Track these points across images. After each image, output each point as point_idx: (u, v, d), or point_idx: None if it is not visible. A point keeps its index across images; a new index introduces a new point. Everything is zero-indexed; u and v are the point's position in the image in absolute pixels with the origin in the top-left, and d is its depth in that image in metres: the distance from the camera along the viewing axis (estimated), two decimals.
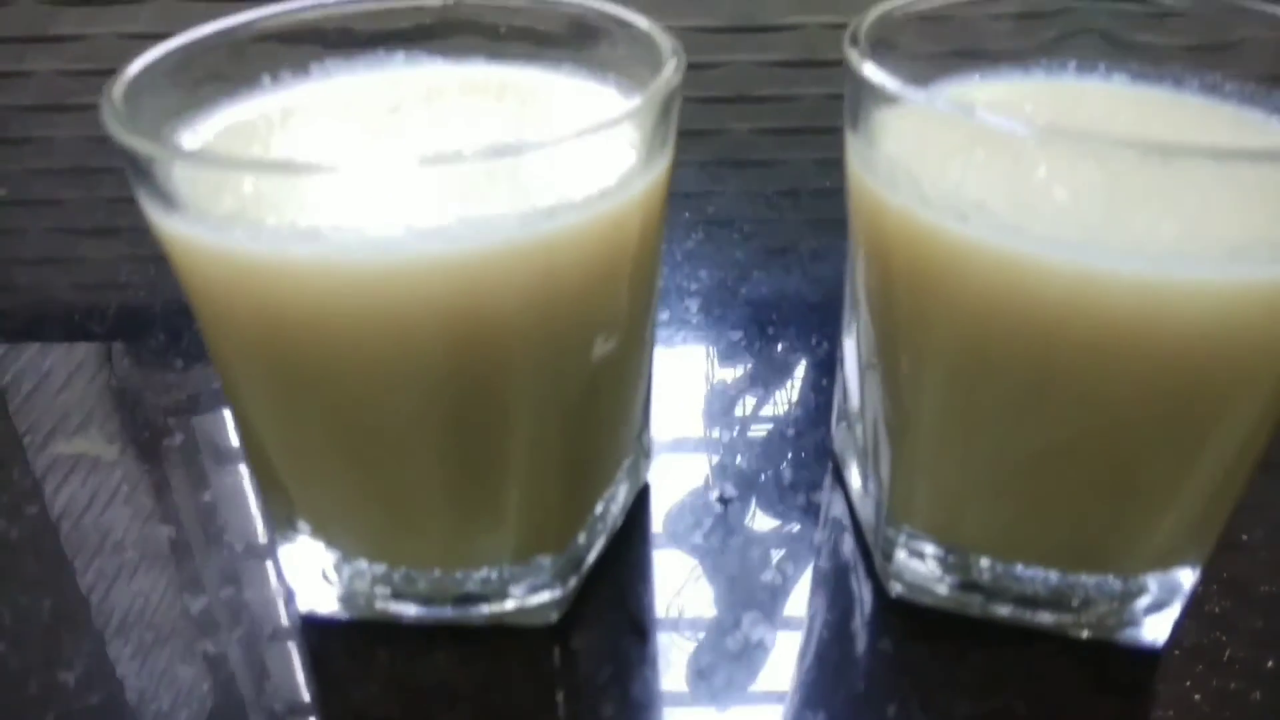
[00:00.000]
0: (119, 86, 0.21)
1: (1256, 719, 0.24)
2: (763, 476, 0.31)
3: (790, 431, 0.33)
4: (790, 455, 0.32)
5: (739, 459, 0.32)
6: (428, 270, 0.19)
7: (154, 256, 0.32)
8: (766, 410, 0.34)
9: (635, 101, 0.21)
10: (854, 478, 0.30)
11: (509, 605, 0.26)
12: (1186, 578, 0.25)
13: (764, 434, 0.33)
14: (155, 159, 0.19)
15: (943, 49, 0.28)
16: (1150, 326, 0.19)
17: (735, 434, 0.33)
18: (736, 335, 0.38)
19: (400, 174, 0.18)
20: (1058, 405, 0.22)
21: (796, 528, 0.29)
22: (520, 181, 0.19)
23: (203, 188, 0.19)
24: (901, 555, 0.26)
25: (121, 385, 0.36)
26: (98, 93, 0.20)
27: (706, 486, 0.31)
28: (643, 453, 0.30)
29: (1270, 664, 0.25)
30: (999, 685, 0.24)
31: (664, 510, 0.30)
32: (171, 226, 0.20)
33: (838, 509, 0.30)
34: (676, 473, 0.31)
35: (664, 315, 0.39)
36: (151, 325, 0.39)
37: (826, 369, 0.36)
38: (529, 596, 0.26)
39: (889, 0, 0.26)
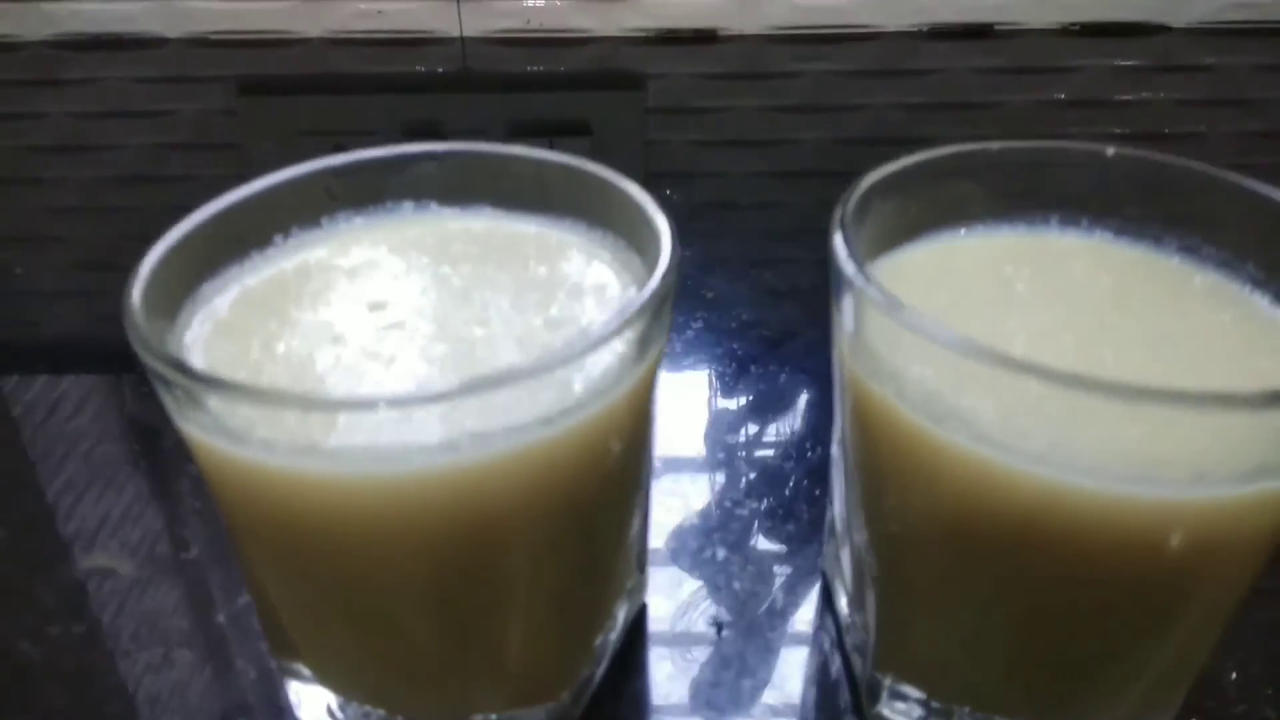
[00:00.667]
0: (137, 292, 0.22)
1: None
2: (756, 597, 0.32)
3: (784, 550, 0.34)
4: (782, 575, 0.33)
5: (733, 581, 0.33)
6: (433, 482, 0.20)
7: None
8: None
9: (633, 306, 0.22)
10: (842, 604, 0.31)
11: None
12: None
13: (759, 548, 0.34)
14: (175, 383, 0.20)
15: (929, 206, 0.29)
16: (1114, 537, 0.21)
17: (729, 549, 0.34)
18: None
19: (403, 404, 0.19)
20: (1028, 592, 0.23)
21: (787, 653, 0.31)
22: (521, 392, 0.20)
23: (219, 402, 0.20)
24: (885, 698, 0.28)
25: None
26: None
27: (702, 613, 0.32)
28: (640, 577, 0.31)
29: None
30: None
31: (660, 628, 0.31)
32: (189, 428, 0.21)
33: (826, 633, 0.31)
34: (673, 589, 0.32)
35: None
36: None
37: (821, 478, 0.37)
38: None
39: (877, 170, 0.27)
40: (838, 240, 0.24)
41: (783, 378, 0.43)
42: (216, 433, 0.20)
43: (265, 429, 0.20)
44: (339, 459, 0.20)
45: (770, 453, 0.39)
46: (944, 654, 0.26)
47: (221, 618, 0.32)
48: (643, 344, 0.22)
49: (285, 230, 0.28)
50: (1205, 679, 0.26)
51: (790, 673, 0.30)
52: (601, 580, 0.27)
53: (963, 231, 0.29)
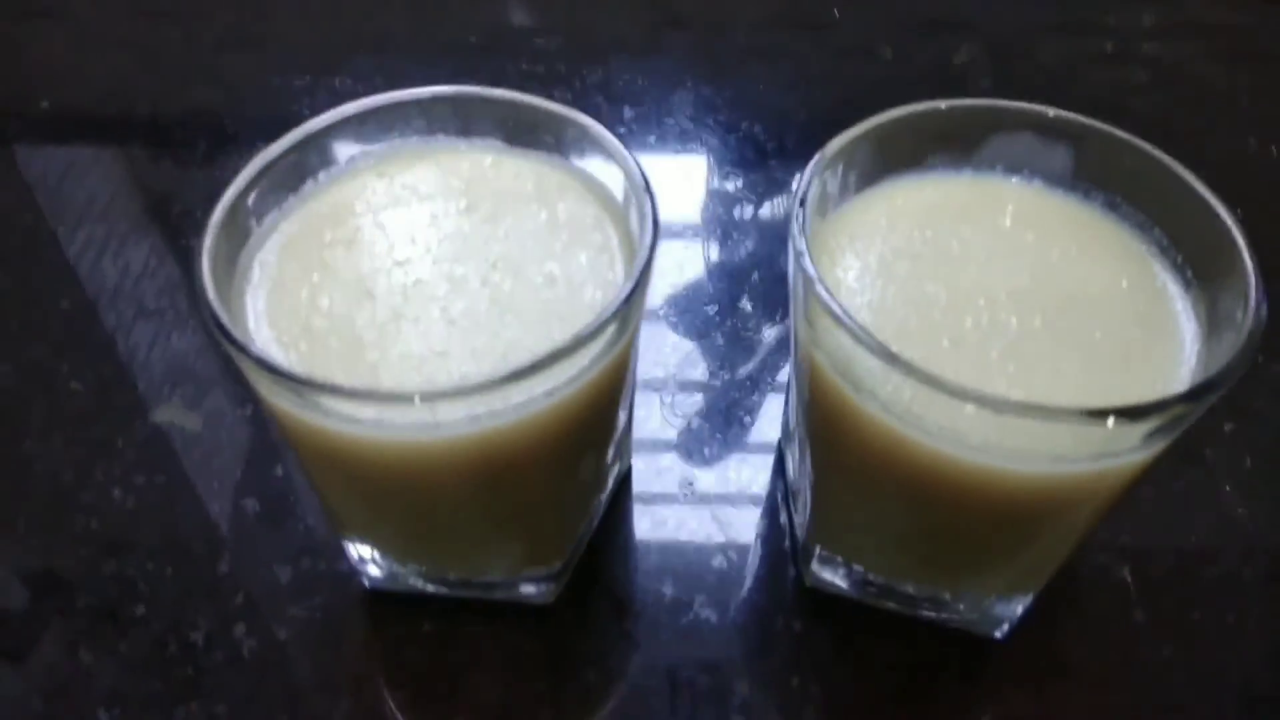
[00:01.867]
0: (210, 296, 0.26)
1: (1066, 694, 0.33)
2: (725, 462, 0.39)
3: (746, 418, 0.41)
4: (745, 441, 0.40)
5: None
6: (460, 442, 0.26)
7: None
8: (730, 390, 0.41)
9: (621, 298, 0.26)
10: (790, 475, 0.37)
11: (517, 591, 0.34)
12: (1022, 602, 0.33)
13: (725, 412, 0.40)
14: (267, 380, 0.25)
15: (884, 158, 0.32)
16: (993, 494, 0.26)
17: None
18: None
19: (433, 399, 0.24)
20: (924, 516, 0.29)
21: (743, 512, 0.38)
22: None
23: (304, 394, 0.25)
24: (815, 563, 0.35)
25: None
26: None
27: (676, 476, 0.39)
28: (626, 452, 0.38)
29: (1079, 654, 0.34)
30: (884, 658, 0.34)
31: (641, 492, 0.38)
32: (275, 402, 0.26)
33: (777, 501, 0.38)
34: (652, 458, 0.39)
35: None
36: None
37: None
38: (532, 587, 0.34)
39: (839, 138, 0.30)
40: (795, 217, 0.28)
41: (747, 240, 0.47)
42: (300, 408, 0.25)
43: (337, 410, 0.25)
44: (390, 429, 0.25)
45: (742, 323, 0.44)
46: (860, 541, 0.33)
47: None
48: (625, 321, 0.27)
49: (314, 173, 0.32)
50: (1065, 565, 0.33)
51: (745, 530, 0.37)
52: (596, 471, 0.33)
53: (914, 178, 0.33)
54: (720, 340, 0.43)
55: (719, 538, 0.37)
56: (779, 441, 0.40)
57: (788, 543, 0.37)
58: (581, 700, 0.33)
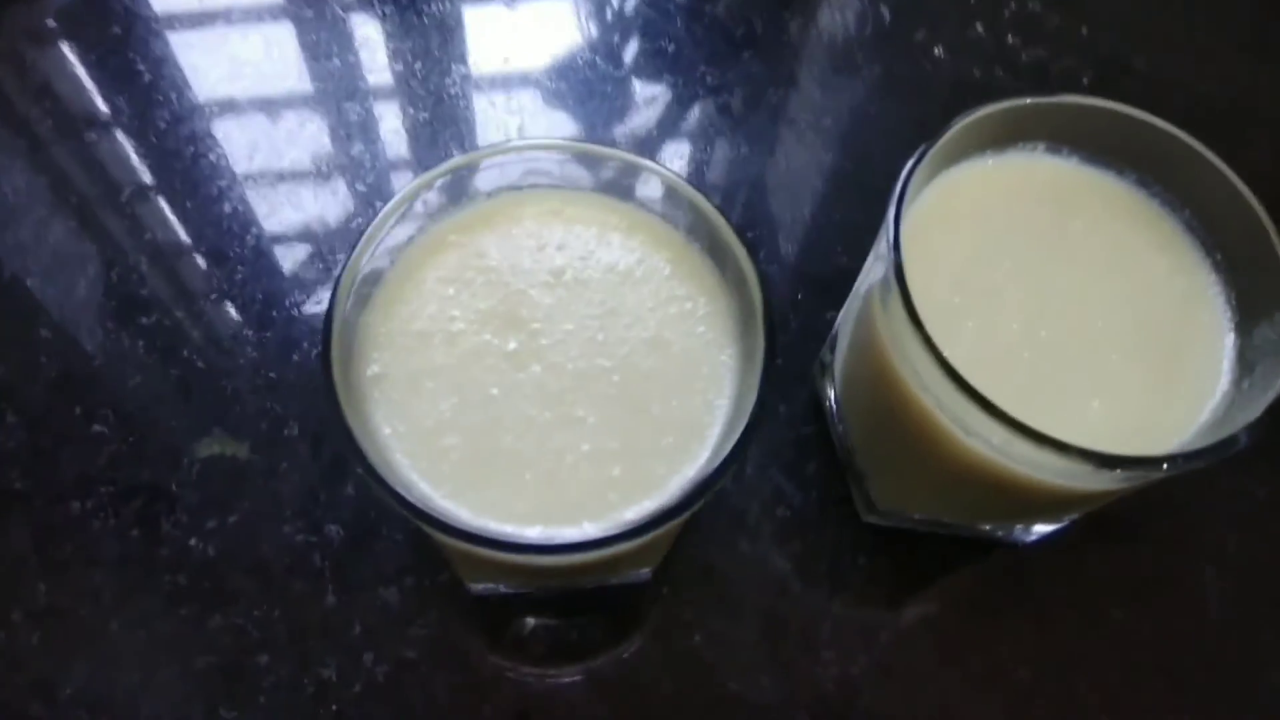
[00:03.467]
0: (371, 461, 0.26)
1: (1082, 582, 0.40)
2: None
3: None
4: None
5: None
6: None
7: None
8: None
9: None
10: (835, 428, 0.41)
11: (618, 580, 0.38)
12: (1045, 527, 0.39)
13: None
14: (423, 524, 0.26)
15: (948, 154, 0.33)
16: (1024, 489, 0.31)
17: None
18: None
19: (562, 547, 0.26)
20: (959, 484, 0.33)
21: (792, 457, 0.41)
22: None
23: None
24: (867, 510, 0.39)
25: None
26: None
27: None
28: None
29: (1071, 561, 0.40)
30: (938, 575, 0.39)
31: None
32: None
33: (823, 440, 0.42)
34: None
35: None
36: None
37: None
38: (631, 579, 0.37)
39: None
40: (890, 218, 0.30)
41: None
42: (469, 546, 0.27)
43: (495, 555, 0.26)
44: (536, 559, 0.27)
45: None
46: (907, 497, 0.37)
47: None
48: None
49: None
50: None
51: (797, 476, 0.41)
52: None
53: (974, 163, 0.34)
54: None
55: (777, 488, 0.40)
56: (813, 375, 0.43)
57: (841, 480, 0.41)
58: (692, 658, 0.37)
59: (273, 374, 0.41)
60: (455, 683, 0.36)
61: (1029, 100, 0.33)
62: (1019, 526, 0.39)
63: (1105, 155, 0.34)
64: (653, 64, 0.51)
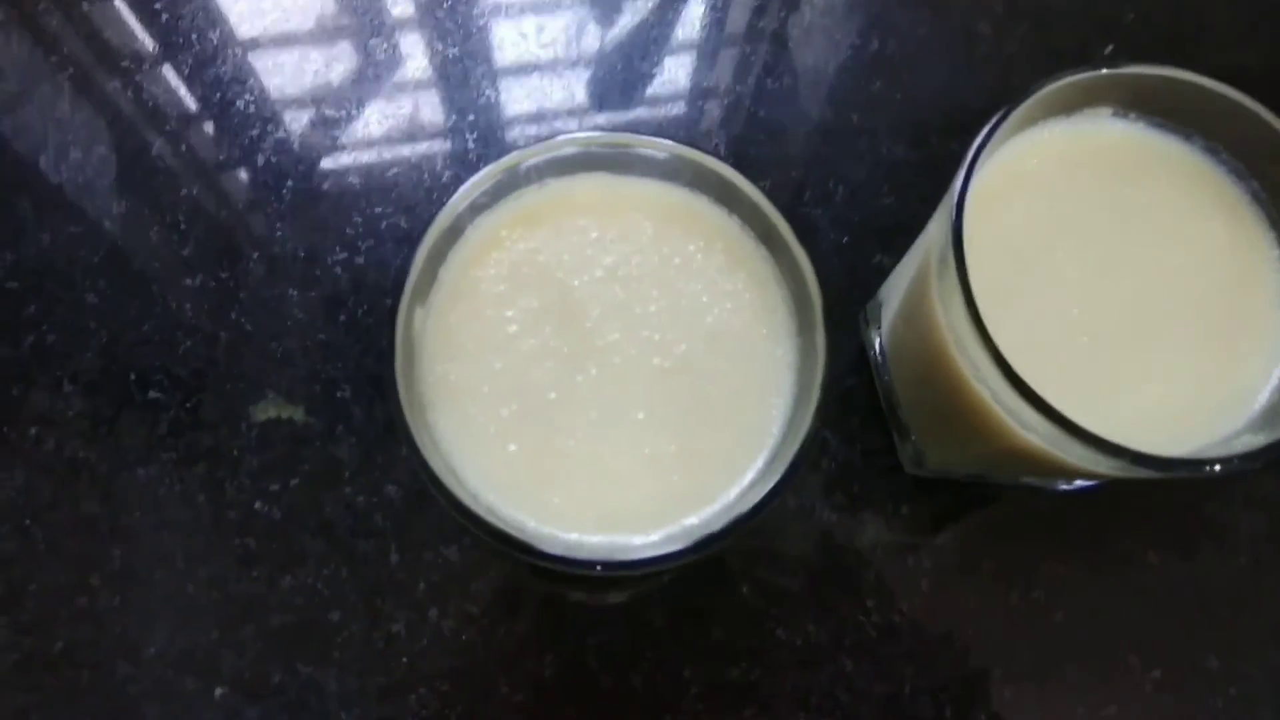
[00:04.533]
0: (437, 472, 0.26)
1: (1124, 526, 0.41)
2: None
3: None
4: None
5: None
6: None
7: None
8: None
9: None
10: (880, 375, 0.41)
11: None
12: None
13: None
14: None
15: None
16: (1072, 469, 0.31)
17: None
18: None
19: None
20: (1018, 463, 0.34)
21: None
22: None
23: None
24: (910, 462, 0.40)
25: None
26: None
27: None
28: None
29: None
30: (976, 522, 0.40)
31: None
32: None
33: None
34: None
35: None
36: None
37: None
38: None
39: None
40: (956, 188, 0.29)
41: None
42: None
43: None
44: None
45: None
46: (949, 456, 0.38)
47: None
48: None
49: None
50: None
51: (842, 429, 0.41)
52: None
53: (1041, 129, 0.33)
54: None
55: (821, 443, 0.41)
56: (860, 326, 0.43)
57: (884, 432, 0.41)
58: (741, 606, 0.39)
59: (322, 335, 0.41)
60: (517, 634, 0.38)
61: (1104, 71, 0.31)
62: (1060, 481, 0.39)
63: (1173, 121, 0.33)
64: None
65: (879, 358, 0.41)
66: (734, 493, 0.29)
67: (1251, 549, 0.41)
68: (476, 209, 0.30)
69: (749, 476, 0.29)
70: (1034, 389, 0.28)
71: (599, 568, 0.26)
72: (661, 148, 0.30)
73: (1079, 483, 0.40)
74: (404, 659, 0.38)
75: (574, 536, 0.28)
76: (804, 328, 0.30)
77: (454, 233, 0.30)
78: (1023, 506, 0.41)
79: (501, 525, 0.26)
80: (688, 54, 0.47)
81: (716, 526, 0.27)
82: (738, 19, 0.48)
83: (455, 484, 0.27)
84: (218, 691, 0.37)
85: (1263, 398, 0.31)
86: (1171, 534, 0.41)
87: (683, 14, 0.48)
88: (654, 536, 0.28)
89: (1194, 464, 0.28)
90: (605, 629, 0.39)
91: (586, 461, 0.29)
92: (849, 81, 0.47)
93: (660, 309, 0.30)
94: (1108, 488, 0.40)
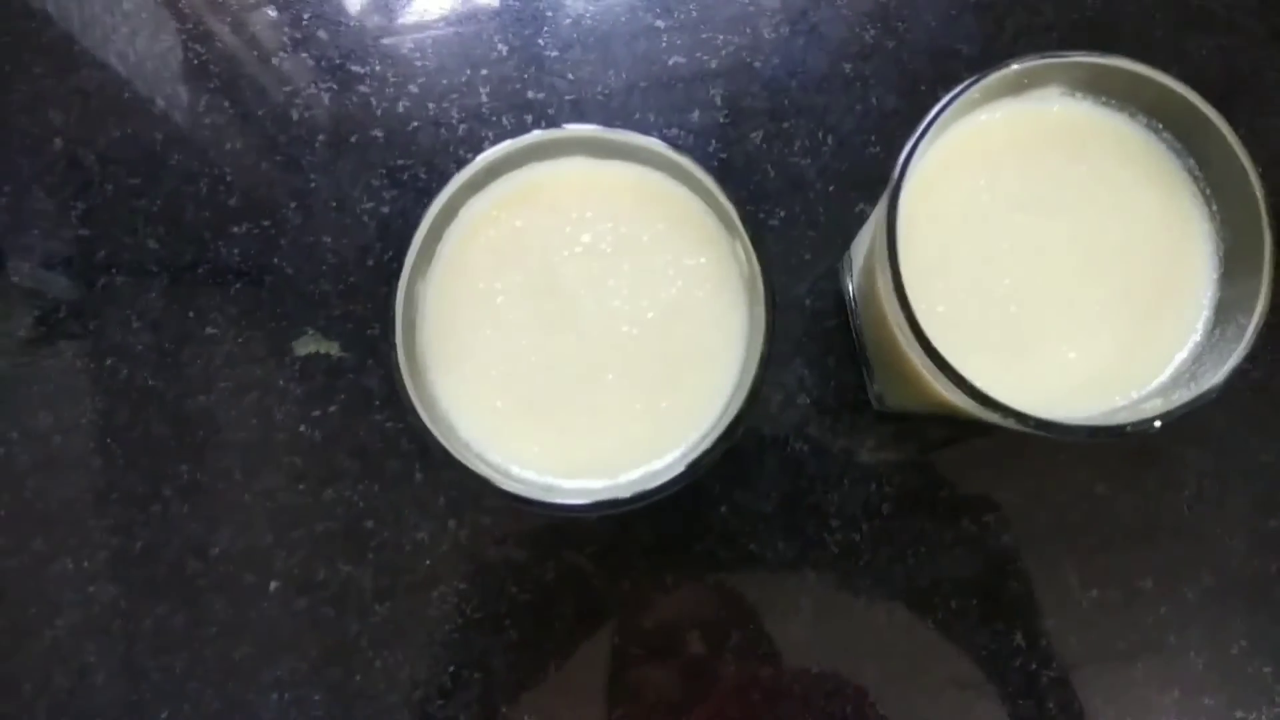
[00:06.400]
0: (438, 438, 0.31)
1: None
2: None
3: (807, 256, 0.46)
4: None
5: None
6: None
7: None
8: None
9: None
10: (854, 317, 0.45)
11: None
12: None
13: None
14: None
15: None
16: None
17: None
18: None
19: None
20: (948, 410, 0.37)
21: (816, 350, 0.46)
22: None
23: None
24: (880, 403, 0.44)
25: None
26: None
27: None
28: None
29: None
30: (941, 453, 0.45)
31: None
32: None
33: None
34: None
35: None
36: None
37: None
38: None
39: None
40: (895, 175, 0.33)
41: None
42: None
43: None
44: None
45: None
46: (918, 404, 0.42)
47: None
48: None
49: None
50: None
51: (819, 365, 0.45)
52: None
53: (990, 109, 0.36)
54: (771, 174, 0.47)
55: (799, 378, 0.45)
56: (838, 270, 0.46)
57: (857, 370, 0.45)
58: (718, 524, 0.44)
59: (353, 278, 0.46)
60: (525, 545, 0.44)
61: (1051, 60, 0.33)
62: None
63: (1117, 100, 0.35)
64: None
65: (852, 303, 0.44)
66: (690, 443, 0.33)
67: (1196, 482, 0.44)
68: (469, 190, 0.34)
69: (703, 429, 0.34)
70: (944, 355, 0.32)
71: (551, 506, 0.31)
72: (636, 140, 0.34)
73: None
74: (427, 561, 0.44)
75: (549, 480, 0.33)
76: (755, 301, 0.34)
77: (449, 213, 0.34)
78: (981, 442, 0.45)
79: (487, 471, 0.31)
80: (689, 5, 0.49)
81: (669, 475, 0.32)
82: None
83: (450, 436, 0.32)
84: (272, 585, 0.44)
85: (1174, 363, 0.34)
86: (1121, 468, 0.44)
87: None
88: (620, 479, 0.33)
89: (1082, 430, 0.32)
90: (600, 541, 0.44)
91: (561, 416, 0.34)
92: (842, 30, 0.49)
93: (631, 281, 0.34)
94: None
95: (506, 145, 0.33)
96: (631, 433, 0.33)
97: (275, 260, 0.47)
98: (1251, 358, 0.44)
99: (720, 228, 0.35)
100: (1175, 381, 0.34)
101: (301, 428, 0.45)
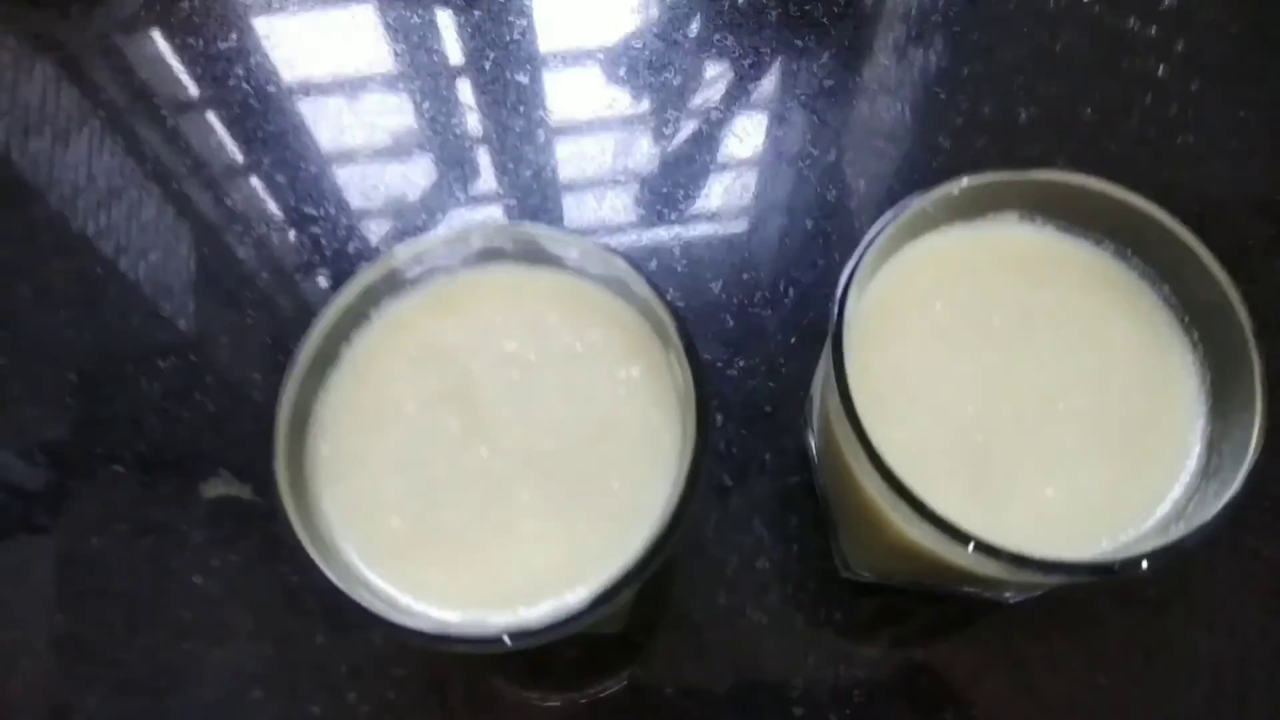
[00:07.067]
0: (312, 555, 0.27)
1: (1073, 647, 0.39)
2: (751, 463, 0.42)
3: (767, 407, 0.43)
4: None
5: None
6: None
7: None
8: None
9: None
10: (816, 474, 0.41)
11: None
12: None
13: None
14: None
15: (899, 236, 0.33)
16: (975, 573, 0.30)
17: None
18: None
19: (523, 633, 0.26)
20: (926, 565, 0.33)
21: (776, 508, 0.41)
22: None
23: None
24: (845, 568, 0.39)
25: None
26: None
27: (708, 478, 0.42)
28: None
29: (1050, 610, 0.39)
30: (913, 632, 0.39)
31: None
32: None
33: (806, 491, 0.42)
34: None
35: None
36: None
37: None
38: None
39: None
40: (835, 307, 0.29)
41: None
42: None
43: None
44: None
45: None
46: (883, 564, 0.37)
47: None
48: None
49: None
50: None
51: (779, 527, 0.41)
52: None
53: (943, 234, 0.33)
54: (730, 324, 0.45)
55: (758, 540, 0.41)
56: (800, 427, 0.43)
57: (822, 536, 0.41)
58: (664, 708, 0.38)
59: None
60: None
61: (1001, 176, 0.32)
62: (1000, 592, 0.38)
63: (1081, 225, 0.33)
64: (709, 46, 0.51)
65: (814, 456, 0.40)
66: (610, 577, 0.29)
67: (1212, 673, 0.38)
68: (384, 292, 0.32)
69: (626, 561, 0.29)
70: (908, 486, 0.28)
71: (446, 642, 0.26)
72: (566, 243, 0.32)
73: (1017, 595, 0.38)
74: None
75: (438, 613, 0.28)
76: (689, 418, 0.30)
77: (356, 316, 0.31)
78: (962, 619, 0.39)
79: (368, 602, 0.27)
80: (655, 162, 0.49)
81: (583, 608, 0.27)
82: (686, 133, 0.50)
83: (329, 556, 0.28)
84: None
85: (1168, 506, 0.30)
86: (1124, 655, 0.39)
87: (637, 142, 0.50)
88: (522, 614, 0.28)
89: (1073, 567, 0.27)
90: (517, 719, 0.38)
91: (466, 540, 0.29)
92: (806, 190, 0.48)
93: (555, 393, 0.31)
94: (1053, 603, 0.39)
95: (428, 238, 0.31)
96: (542, 560, 0.29)
97: (196, 396, 0.44)
98: (1265, 538, 0.40)
99: (653, 337, 0.32)
100: (1167, 525, 0.30)
101: (196, 578, 0.40)
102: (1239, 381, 0.30)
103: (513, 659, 0.39)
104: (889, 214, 0.31)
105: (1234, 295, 0.30)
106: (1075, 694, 0.38)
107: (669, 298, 0.30)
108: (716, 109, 0.50)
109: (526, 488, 0.30)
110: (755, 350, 0.44)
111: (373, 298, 0.32)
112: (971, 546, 0.27)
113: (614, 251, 0.31)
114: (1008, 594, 0.38)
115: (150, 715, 0.38)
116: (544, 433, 0.31)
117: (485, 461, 0.30)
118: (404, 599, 0.29)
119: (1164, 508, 0.30)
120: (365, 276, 0.31)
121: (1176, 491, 0.30)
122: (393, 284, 0.32)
